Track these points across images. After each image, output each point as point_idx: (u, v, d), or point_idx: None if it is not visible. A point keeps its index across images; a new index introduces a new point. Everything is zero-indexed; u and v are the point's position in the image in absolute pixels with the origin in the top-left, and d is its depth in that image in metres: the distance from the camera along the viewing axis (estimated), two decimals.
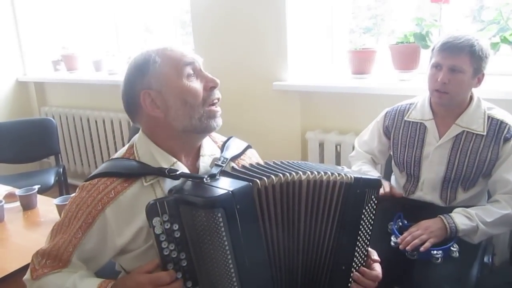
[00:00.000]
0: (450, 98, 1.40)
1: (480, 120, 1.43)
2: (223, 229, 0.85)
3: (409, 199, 1.57)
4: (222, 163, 1.02)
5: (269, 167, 1.00)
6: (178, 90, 0.96)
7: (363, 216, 1.03)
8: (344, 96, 2.15)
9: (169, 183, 0.98)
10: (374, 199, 1.04)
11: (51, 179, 2.64)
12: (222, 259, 0.86)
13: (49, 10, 3.46)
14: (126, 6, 3.35)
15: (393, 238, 1.43)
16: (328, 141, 2.17)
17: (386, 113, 1.63)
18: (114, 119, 3.09)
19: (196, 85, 0.98)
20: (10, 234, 1.58)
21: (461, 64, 1.34)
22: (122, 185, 0.97)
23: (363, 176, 1.03)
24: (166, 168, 0.97)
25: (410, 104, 1.58)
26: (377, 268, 1.07)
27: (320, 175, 0.98)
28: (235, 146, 1.13)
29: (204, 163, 1.04)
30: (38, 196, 1.81)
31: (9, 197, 1.83)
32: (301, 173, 0.96)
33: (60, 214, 1.59)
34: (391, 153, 1.64)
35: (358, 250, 1.04)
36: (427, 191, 1.53)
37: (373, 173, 1.61)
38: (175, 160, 1.00)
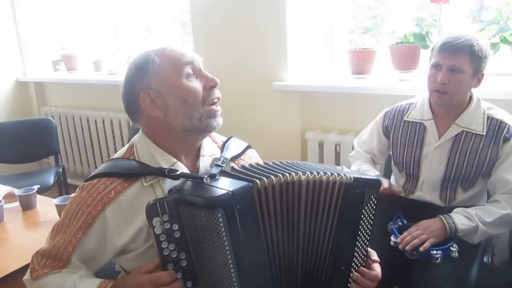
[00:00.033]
0: (449, 98, 1.40)
1: (480, 120, 1.43)
2: (223, 229, 0.85)
3: (409, 199, 1.57)
4: (222, 163, 1.02)
5: (269, 167, 1.00)
6: (178, 89, 0.96)
7: (362, 216, 1.03)
8: (344, 96, 2.15)
9: (169, 183, 0.98)
10: (373, 199, 1.04)
11: (51, 179, 2.64)
12: (222, 259, 0.86)
13: (49, 10, 3.46)
14: (126, 6, 3.35)
15: (392, 238, 1.43)
16: (327, 141, 2.17)
17: (386, 113, 1.63)
18: (113, 119, 3.09)
19: (196, 84, 0.98)
20: (9, 234, 1.58)
21: (460, 64, 1.35)
22: (122, 185, 0.97)
23: (362, 176, 1.03)
24: (166, 168, 0.97)
25: (410, 104, 1.58)
26: (377, 268, 1.07)
27: (319, 175, 0.98)
28: (235, 146, 1.13)
29: (204, 163, 1.04)
30: (38, 196, 1.81)
31: (9, 197, 1.83)
32: (300, 173, 0.96)
33: (59, 214, 1.59)
34: (391, 153, 1.64)
35: (358, 250, 1.04)
36: (427, 191, 1.53)
37: (372, 172, 1.61)
38: (175, 160, 1.00)
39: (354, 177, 1.00)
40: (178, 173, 0.96)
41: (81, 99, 3.38)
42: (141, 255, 0.97)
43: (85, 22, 3.46)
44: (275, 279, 0.96)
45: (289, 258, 0.98)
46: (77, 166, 3.49)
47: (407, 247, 1.36)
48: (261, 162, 1.11)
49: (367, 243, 1.06)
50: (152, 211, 0.88)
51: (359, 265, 1.06)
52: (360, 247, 1.04)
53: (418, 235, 1.37)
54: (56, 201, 1.64)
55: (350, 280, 1.04)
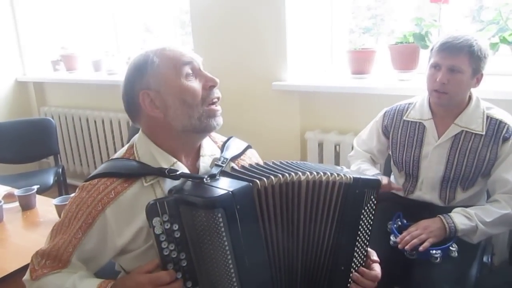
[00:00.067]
0: (449, 98, 1.40)
1: (479, 119, 1.43)
2: (223, 229, 0.85)
3: (408, 199, 1.58)
4: (222, 163, 1.02)
5: (269, 167, 1.00)
6: (177, 89, 0.96)
7: (362, 216, 1.03)
8: (343, 96, 2.15)
9: (169, 183, 0.98)
10: (373, 199, 1.04)
11: (50, 179, 2.64)
12: (222, 259, 0.86)
13: (48, 10, 3.46)
14: (125, 6, 3.35)
15: (392, 238, 1.43)
16: (327, 141, 2.17)
17: (385, 112, 1.63)
18: (113, 119, 3.09)
19: (195, 84, 0.98)
20: (9, 235, 1.58)
21: (460, 64, 1.35)
22: (122, 185, 0.97)
23: (362, 177, 1.03)
24: (166, 168, 0.97)
25: (409, 103, 1.58)
26: (377, 268, 1.07)
27: (319, 175, 0.98)
28: (235, 146, 1.13)
29: (204, 163, 1.04)
30: (37, 196, 1.81)
31: (8, 197, 1.83)
32: (300, 173, 0.96)
33: (59, 214, 1.59)
34: (390, 152, 1.64)
35: (357, 250, 1.04)
36: (426, 191, 1.53)
37: (372, 171, 1.61)
38: (175, 160, 1.00)
39: (353, 177, 1.00)
40: (178, 173, 0.96)
41: (81, 99, 3.38)
42: (141, 255, 0.97)
43: (84, 22, 3.45)
44: (275, 279, 0.96)
45: (289, 258, 0.98)
46: (77, 166, 3.49)
47: (407, 247, 1.36)
48: (261, 162, 1.11)
49: (367, 243, 1.06)
50: (152, 211, 0.88)
51: (358, 265, 1.06)
52: (360, 247, 1.05)
53: (418, 234, 1.37)
54: (56, 201, 1.64)
55: (350, 280, 1.04)
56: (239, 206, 0.87)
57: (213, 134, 1.13)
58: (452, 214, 1.41)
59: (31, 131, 2.83)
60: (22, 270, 1.24)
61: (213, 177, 0.95)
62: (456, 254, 1.35)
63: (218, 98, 1.01)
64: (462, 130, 1.44)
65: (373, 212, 1.05)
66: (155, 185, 0.98)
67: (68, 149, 3.48)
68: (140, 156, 1.01)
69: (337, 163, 2.18)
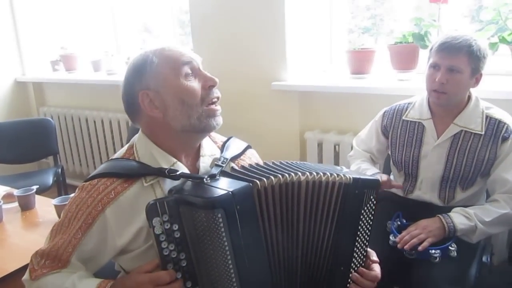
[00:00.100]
0: (448, 98, 1.40)
1: (478, 119, 1.43)
2: (223, 229, 0.85)
3: (408, 199, 1.58)
4: (222, 163, 1.02)
5: (269, 167, 1.00)
6: (176, 89, 0.96)
7: (361, 217, 1.03)
8: (343, 96, 2.15)
9: (169, 183, 0.98)
10: (372, 199, 1.04)
11: (50, 179, 2.64)
12: (221, 259, 0.86)
13: (47, 10, 3.45)
14: (124, 6, 3.35)
15: (391, 237, 1.43)
16: (326, 141, 2.17)
17: (384, 112, 1.64)
18: (112, 119, 3.09)
19: (194, 84, 0.97)
20: (8, 235, 1.58)
21: (459, 64, 1.35)
22: (122, 185, 0.97)
23: (361, 177, 1.03)
24: (166, 169, 0.97)
25: (408, 103, 1.58)
26: (376, 269, 1.07)
27: (319, 175, 0.98)
28: (235, 146, 1.13)
29: (204, 163, 1.04)
30: (37, 196, 1.81)
31: (8, 197, 1.83)
32: (300, 173, 0.96)
33: (58, 215, 1.59)
34: (389, 152, 1.65)
35: (357, 250, 1.04)
36: (426, 191, 1.53)
37: (372, 170, 1.61)
38: (175, 160, 1.00)
39: (353, 178, 1.00)
40: (178, 173, 0.96)
41: (80, 99, 3.38)
42: (141, 255, 0.97)
43: (84, 22, 3.45)
44: (274, 279, 0.96)
45: (289, 258, 0.98)
46: (76, 166, 3.49)
47: (406, 246, 1.36)
48: (261, 162, 1.11)
49: (367, 244, 1.06)
50: (152, 211, 0.88)
51: (358, 265, 1.06)
52: (360, 247, 1.05)
53: (417, 234, 1.37)
54: (55, 201, 1.64)
55: (349, 280, 1.04)
56: (239, 206, 0.87)
57: (213, 134, 1.13)
58: (451, 213, 1.41)
59: (31, 131, 2.83)
60: (22, 270, 1.24)
61: (213, 177, 0.95)
62: (455, 254, 1.35)
63: (218, 98, 1.01)
64: (461, 130, 1.44)
65: (373, 213, 1.05)
66: (155, 185, 0.98)
67: (68, 149, 3.47)
68: (140, 156, 1.01)
69: (336, 163, 2.18)
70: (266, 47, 2.25)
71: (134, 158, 1.01)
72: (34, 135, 2.81)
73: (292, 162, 1.04)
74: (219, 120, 1.00)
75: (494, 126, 1.41)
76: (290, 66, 2.23)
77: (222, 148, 1.11)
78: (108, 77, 3.08)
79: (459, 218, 1.39)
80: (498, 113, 1.44)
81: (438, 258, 1.34)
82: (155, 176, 0.98)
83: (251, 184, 0.91)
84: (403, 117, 1.56)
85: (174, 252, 0.89)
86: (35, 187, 1.80)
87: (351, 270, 1.04)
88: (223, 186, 0.91)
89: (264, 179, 0.93)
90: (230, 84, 2.26)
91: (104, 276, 0.99)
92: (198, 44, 2.52)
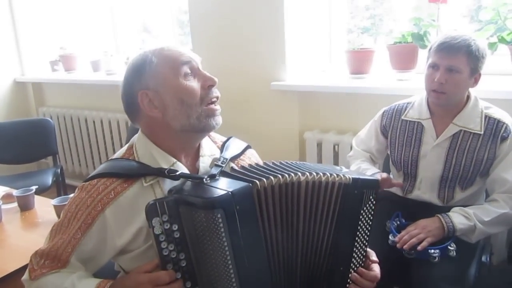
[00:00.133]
0: (447, 98, 1.41)
1: (477, 119, 1.43)
2: (222, 229, 0.85)
3: (407, 199, 1.58)
4: (221, 163, 1.02)
5: (268, 168, 1.00)
6: (175, 89, 0.96)
7: (361, 217, 1.03)
8: (342, 96, 2.15)
9: (168, 184, 0.98)
10: (372, 200, 1.04)
11: (49, 179, 2.63)
12: (221, 259, 0.86)
13: (47, 10, 3.45)
14: (124, 6, 3.35)
15: (390, 237, 1.43)
16: (326, 141, 2.17)
17: (384, 112, 1.64)
18: (112, 120, 3.09)
19: (193, 84, 0.98)
20: (8, 235, 1.58)
21: (458, 64, 1.35)
22: (122, 185, 0.97)
23: (361, 177, 1.03)
24: (166, 169, 0.97)
25: (408, 103, 1.59)
26: (376, 269, 1.07)
27: (318, 176, 0.98)
28: (235, 146, 1.13)
29: (204, 163, 1.04)
30: (36, 196, 1.81)
31: (7, 198, 1.83)
32: (300, 174, 0.96)
33: (58, 215, 1.59)
34: (389, 152, 1.65)
35: (356, 250, 1.04)
36: (425, 190, 1.53)
37: (372, 170, 1.61)
38: (174, 160, 1.00)
39: (352, 178, 1.00)
40: (177, 173, 0.96)
41: (79, 100, 3.37)
42: (141, 255, 0.97)
43: (83, 22, 3.45)
44: (274, 279, 0.96)
45: (288, 258, 0.98)
46: (76, 167, 3.49)
47: (405, 246, 1.36)
48: (261, 162, 1.11)
49: (366, 244, 1.06)
50: (151, 211, 0.88)
51: (357, 265, 1.06)
52: (359, 248, 1.05)
53: (416, 234, 1.37)
54: (54, 201, 1.64)
55: (349, 280, 1.04)
56: (238, 206, 0.87)
57: (212, 134, 1.13)
58: (450, 213, 1.41)
59: (30, 132, 2.83)
60: (21, 270, 1.24)
61: (212, 177, 0.95)
62: (455, 254, 1.35)
63: (217, 98, 1.01)
64: (461, 130, 1.44)
65: (372, 213, 1.05)
66: (155, 185, 0.98)
67: (67, 150, 3.47)
68: (139, 156, 1.01)
69: (335, 163, 2.18)
70: (265, 47, 2.25)
71: (134, 158, 1.01)
72: (33, 135, 2.81)
73: (291, 162, 1.04)
74: (219, 119, 1.00)
75: (493, 125, 1.42)
76: (289, 66, 2.23)
77: (222, 148, 1.11)
78: (108, 77, 3.08)
79: (458, 217, 1.39)
80: (497, 112, 1.44)
81: (437, 258, 1.34)
82: (154, 176, 0.98)
83: (250, 184, 0.91)
84: (402, 117, 1.56)
85: (173, 252, 0.89)
86: (34, 188, 1.80)
87: (351, 270, 1.04)
88: (223, 186, 0.91)
89: (264, 179, 0.93)
90: (229, 84, 2.27)
91: (103, 276, 0.99)
92: (197, 44, 2.52)
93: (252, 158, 1.17)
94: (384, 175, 1.52)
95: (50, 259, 0.98)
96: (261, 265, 0.93)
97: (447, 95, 1.39)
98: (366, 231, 1.05)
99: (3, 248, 1.48)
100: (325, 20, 2.35)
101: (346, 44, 2.38)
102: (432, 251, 1.34)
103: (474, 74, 1.39)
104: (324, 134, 2.18)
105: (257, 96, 2.36)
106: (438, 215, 1.41)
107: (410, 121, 1.54)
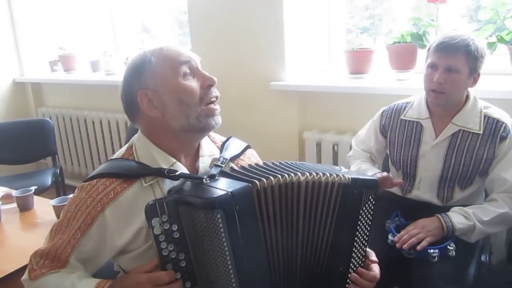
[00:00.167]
0: (446, 98, 1.41)
1: (477, 119, 1.44)
2: (222, 230, 0.85)
3: (407, 198, 1.58)
4: (221, 163, 1.02)
5: (268, 168, 1.00)
6: (174, 89, 0.96)
7: (360, 217, 1.03)
8: (341, 96, 2.15)
9: (168, 184, 0.98)
10: (371, 200, 1.04)
11: (48, 180, 2.63)
12: (221, 259, 0.86)
13: (46, 11, 3.45)
14: (123, 6, 3.35)
15: (390, 237, 1.43)
16: (325, 141, 2.17)
17: (383, 112, 1.64)
18: (111, 120, 3.09)
19: (193, 83, 0.98)
20: (7, 236, 1.58)
21: (457, 64, 1.35)
22: (122, 185, 0.97)
23: (360, 177, 1.03)
24: (166, 169, 0.97)
25: (407, 103, 1.59)
26: (375, 269, 1.08)
27: (318, 176, 0.98)
28: (235, 146, 1.13)
29: (204, 163, 1.04)
30: (35, 197, 1.81)
31: (6, 198, 1.83)
32: (299, 174, 0.96)
33: (57, 215, 1.59)
34: (388, 152, 1.65)
35: (356, 250, 1.04)
36: (424, 190, 1.54)
37: (372, 171, 1.61)
38: (174, 160, 1.00)
39: (352, 178, 1.00)
40: (177, 173, 0.96)
41: (79, 100, 3.37)
42: (141, 255, 0.97)
43: (82, 22, 3.45)
44: (274, 279, 0.96)
45: (288, 258, 0.98)
46: (75, 167, 3.48)
47: (404, 246, 1.36)
48: (261, 162, 1.11)
49: (366, 244, 1.07)
50: (151, 211, 0.88)
51: (357, 265, 1.06)
52: (358, 248, 1.05)
53: (416, 233, 1.37)
54: (54, 202, 1.64)
55: (348, 280, 1.04)
56: (238, 207, 0.87)
57: (212, 134, 1.13)
58: (450, 213, 1.41)
59: (29, 132, 2.83)
60: (21, 270, 1.24)
61: (212, 177, 0.95)
62: (454, 253, 1.35)
63: (217, 97, 1.01)
64: (460, 129, 1.45)
65: (372, 213, 1.05)
66: (155, 185, 0.98)
67: (66, 150, 3.47)
68: (139, 156, 1.01)
69: (335, 163, 2.18)
70: (264, 47, 2.25)
71: (134, 158, 1.01)
72: (32, 136, 2.81)
73: (291, 163, 1.04)
74: (218, 119, 1.00)
75: (492, 125, 1.42)
76: (289, 66, 2.23)
77: (222, 148, 1.11)
78: (107, 77, 3.08)
79: (457, 217, 1.39)
80: (496, 112, 1.44)
81: (436, 258, 1.34)
82: (154, 176, 0.98)
83: (250, 184, 0.91)
84: (402, 117, 1.56)
85: (173, 253, 0.89)
86: (33, 188, 1.80)
87: (350, 270, 1.04)
88: (223, 186, 0.91)
89: (264, 180, 0.93)
90: (228, 84, 2.26)
91: (103, 276, 0.99)
92: (196, 44, 2.52)
93: (252, 158, 1.17)
94: (385, 173, 1.52)
95: (50, 259, 0.98)
96: (261, 265, 0.93)
97: (446, 95, 1.40)
98: (366, 231, 1.05)
99: (3, 249, 1.48)
100: (325, 20, 2.36)
101: (345, 44, 2.39)
102: (432, 250, 1.34)
103: (473, 74, 1.39)
104: (324, 134, 2.19)
105: (256, 96, 2.36)
106: (438, 214, 1.41)
107: (409, 120, 1.55)
